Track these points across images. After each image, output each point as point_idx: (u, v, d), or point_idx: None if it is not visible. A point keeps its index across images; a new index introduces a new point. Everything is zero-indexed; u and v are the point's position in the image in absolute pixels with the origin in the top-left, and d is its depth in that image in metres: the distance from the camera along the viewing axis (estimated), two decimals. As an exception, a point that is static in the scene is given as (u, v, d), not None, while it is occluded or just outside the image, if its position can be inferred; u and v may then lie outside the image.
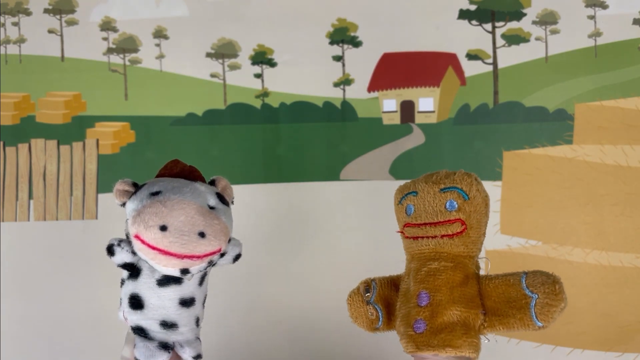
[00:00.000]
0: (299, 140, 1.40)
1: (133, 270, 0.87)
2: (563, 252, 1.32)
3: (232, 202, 0.94)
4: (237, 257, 0.92)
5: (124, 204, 0.89)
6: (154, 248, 0.82)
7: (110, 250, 0.86)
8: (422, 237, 0.84)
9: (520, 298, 0.78)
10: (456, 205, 0.82)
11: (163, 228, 0.81)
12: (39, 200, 1.44)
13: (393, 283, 0.91)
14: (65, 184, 1.44)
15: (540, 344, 1.31)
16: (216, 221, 0.85)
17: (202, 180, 0.94)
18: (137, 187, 0.89)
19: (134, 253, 0.85)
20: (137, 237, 0.82)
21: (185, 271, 0.84)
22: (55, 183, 1.44)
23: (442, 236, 0.83)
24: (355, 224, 1.38)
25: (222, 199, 0.91)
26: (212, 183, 0.94)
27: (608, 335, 1.30)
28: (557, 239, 1.32)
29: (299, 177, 1.40)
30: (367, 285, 0.92)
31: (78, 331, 1.41)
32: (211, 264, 0.87)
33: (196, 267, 0.85)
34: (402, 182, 0.92)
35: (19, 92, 1.46)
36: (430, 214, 0.84)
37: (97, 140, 1.44)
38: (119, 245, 0.85)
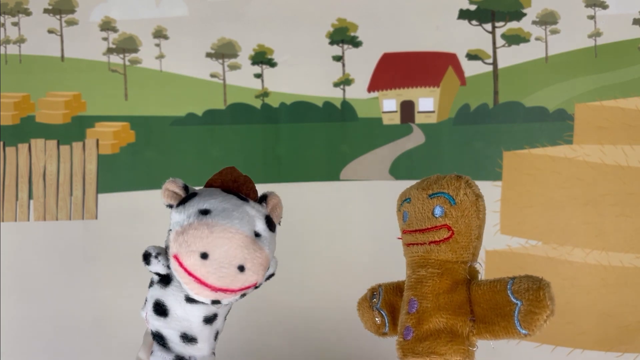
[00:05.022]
0: (299, 140, 1.40)
1: (164, 278, 0.85)
2: (563, 252, 1.32)
3: (279, 223, 0.90)
4: (270, 277, 0.89)
5: (170, 206, 0.85)
6: (190, 274, 0.79)
7: (146, 259, 0.83)
8: (413, 244, 0.84)
9: (505, 305, 0.76)
10: (443, 211, 0.81)
11: (204, 256, 0.78)
12: (39, 200, 1.44)
13: (399, 289, 0.90)
14: (65, 184, 1.44)
15: (540, 344, 1.31)
16: (258, 253, 0.81)
17: (255, 192, 0.89)
18: (187, 191, 0.85)
19: (168, 267, 0.82)
20: (175, 257, 0.80)
21: (216, 302, 0.82)
22: (55, 183, 1.44)
23: (430, 243, 0.82)
24: (355, 224, 1.38)
25: (269, 223, 0.86)
26: (263, 198, 0.89)
27: (608, 335, 1.30)
28: (557, 239, 1.32)
29: (299, 177, 1.40)
30: (374, 291, 0.93)
31: (78, 331, 1.41)
32: (243, 296, 0.84)
33: (228, 300, 0.83)
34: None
35: (19, 92, 1.46)
36: (420, 220, 0.83)
37: (97, 140, 1.44)
38: (156, 257, 0.83)
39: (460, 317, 0.79)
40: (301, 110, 1.40)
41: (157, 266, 0.83)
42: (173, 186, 0.84)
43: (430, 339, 0.79)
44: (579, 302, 1.30)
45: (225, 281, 0.79)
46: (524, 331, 0.74)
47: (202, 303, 0.84)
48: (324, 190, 1.39)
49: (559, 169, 1.33)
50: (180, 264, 0.79)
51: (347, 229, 1.38)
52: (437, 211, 0.81)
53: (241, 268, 0.79)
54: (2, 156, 1.45)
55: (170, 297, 0.84)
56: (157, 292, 0.85)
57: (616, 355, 1.30)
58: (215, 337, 0.90)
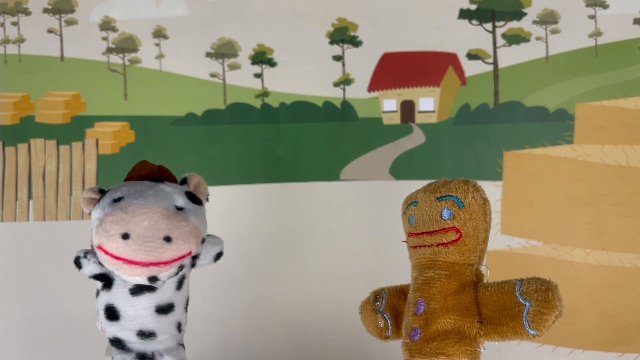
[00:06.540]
0: (299, 140, 1.40)
1: (106, 281, 0.85)
2: (563, 252, 1.32)
3: (207, 199, 0.90)
4: (218, 256, 0.89)
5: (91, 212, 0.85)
6: (117, 258, 0.79)
7: (77, 263, 0.84)
8: (420, 246, 0.85)
9: (514, 306, 0.77)
10: (451, 214, 0.82)
11: (125, 236, 0.78)
12: (39, 200, 1.44)
13: (402, 292, 0.91)
14: (64, 184, 1.44)
15: (540, 345, 1.31)
16: (184, 223, 0.81)
17: (173, 179, 0.89)
18: (103, 193, 0.85)
19: (101, 263, 0.82)
20: (99, 247, 0.80)
21: (153, 279, 0.81)
22: (54, 183, 1.44)
23: (438, 245, 0.83)
24: (355, 224, 1.37)
25: (192, 198, 0.86)
26: (184, 181, 0.89)
27: (609, 335, 1.29)
28: (557, 239, 1.32)
29: (299, 177, 1.39)
30: (377, 294, 0.93)
31: (78, 331, 1.41)
32: (181, 268, 0.83)
33: (165, 274, 0.81)
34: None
35: (18, 92, 1.46)
36: (427, 222, 0.84)
37: (97, 140, 1.44)
38: (85, 257, 0.83)
39: (468, 319, 0.80)
40: (301, 110, 1.40)
41: (90, 265, 0.83)
42: (89, 193, 0.85)
43: (438, 340, 0.80)
44: (580, 302, 1.30)
45: (154, 254, 0.78)
46: (532, 332, 0.76)
47: (149, 292, 0.83)
48: (324, 190, 1.39)
49: (559, 169, 1.33)
50: (106, 252, 0.79)
51: (347, 229, 1.38)
52: (445, 214, 0.82)
53: (167, 239, 0.79)
54: (2, 156, 1.45)
55: (117, 296, 0.84)
56: (105, 298, 0.85)
57: (617, 355, 1.30)
58: (179, 329, 0.88)
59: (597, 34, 1.33)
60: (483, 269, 0.85)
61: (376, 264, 1.35)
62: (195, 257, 0.85)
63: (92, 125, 1.44)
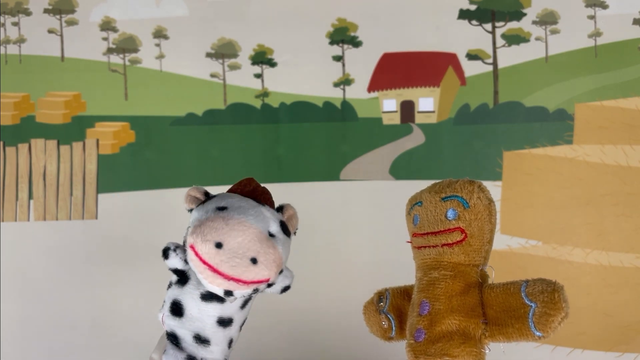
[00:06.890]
0: (299, 140, 1.40)
1: (182, 277, 0.87)
2: (563, 252, 1.32)
3: (295, 233, 0.94)
4: (285, 289, 0.91)
5: (191, 210, 0.89)
6: (204, 262, 0.82)
7: (165, 254, 0.86)
8: (425, 247, 0.84)
9: (520, 307, 0.77)
10: (456, 214, 0.81)
11: (218, 245, 0.81)
12: (39, 200, 1.44)
13: (406, 293, 0.91)
14: (65, 184, 1.44)
15: (540, 344, 1.31)
16: (272, 250, 0.84)
17: (272, 204, 0.93)
18: (208, 196, 0.89)
19: (186, 261, 0.85)
20: (192, 247, 0.82)
21: (228, 293, 0.84)
22: (55, 183, 1.44)
23: (443, 245, 0.82)
24: (355, 224, 1.37)
25: (284, 228, 0.90)
26: (280, 209, 0.93)
27: (608, 335, 1.30)
28: (557, 239, 1.32)
29: (299, 177, 1.39)
30: (381, 295, 0.93)
31: (78, 331, 1.41)
32: (256, 291, 0.86)
33: (240, 292, 0.84)
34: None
35: (19, 92, 1.46)
36: (432, 223, 0.83)
37: (97, 140, 1.44)
38: (174, 250, 0.86)
39: (473, 320, 0.80)
40: (301, 110, 1.40)
41: (175, 260, 0.85)
42: (195, 192, 0.89)
43: (443, 341, 0.79)
44: (579, 302, 1.30)
45: (237, 270, 0.81)
46: (538, 333, 0.75)
47: (217, 302, 0.86)
48: (324, 190, 1.39)
49: (559, 169, 1.33)
50: (196, 253, 0.82)
51: (347, 229, 1.38)
52: (450, 214, 0.82)
53: (254, 260, 0.82)
54: (2, 156, 1.45)
55: (187, 295, 0.87)
56: (175, 292, 0.88)
57: (616, 355, 1.30)
58: (229, 345, 0.91)
59: (596, 34, 1.33)
60: (488, 269, 0.85)
61: (376, 263, 1.35)
62: (268, 286, 0.88)
63: (93, 126, 1.44)
